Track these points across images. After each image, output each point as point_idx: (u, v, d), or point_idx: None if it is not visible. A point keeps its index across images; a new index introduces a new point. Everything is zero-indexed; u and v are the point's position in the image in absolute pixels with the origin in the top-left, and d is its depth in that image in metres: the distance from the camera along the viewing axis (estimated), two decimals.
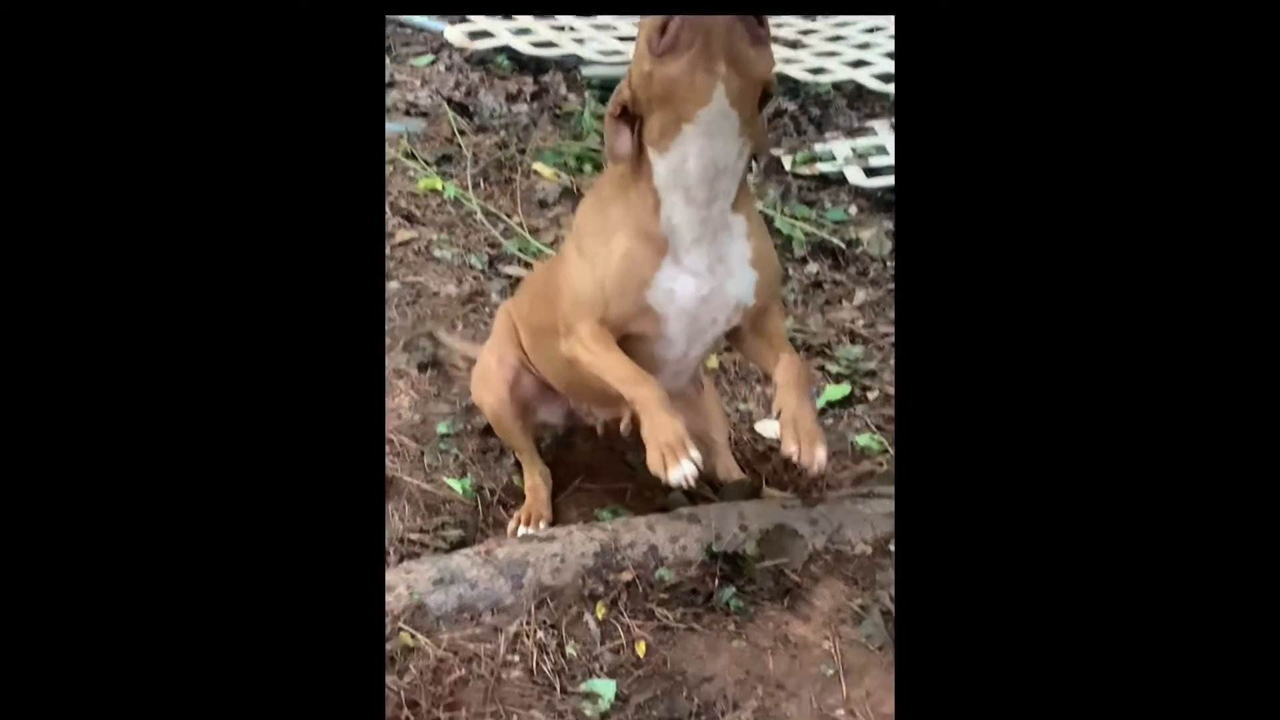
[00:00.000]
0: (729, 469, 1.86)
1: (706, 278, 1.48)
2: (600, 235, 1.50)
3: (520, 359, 1.78)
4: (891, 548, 1.68)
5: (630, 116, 1.43)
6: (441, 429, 1.96)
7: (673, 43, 1.33)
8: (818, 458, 1.45)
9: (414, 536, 1.73)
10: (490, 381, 1.80)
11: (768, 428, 2.00)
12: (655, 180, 1.44)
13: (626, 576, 1.58)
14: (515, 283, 2.35)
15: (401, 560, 1.64)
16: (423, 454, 1.90)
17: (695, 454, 1.43)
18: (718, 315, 1.52)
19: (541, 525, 1.76)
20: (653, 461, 1.44)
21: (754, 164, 1.50)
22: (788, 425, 1.47)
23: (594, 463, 1.92)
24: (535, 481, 1.82)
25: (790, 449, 1.46)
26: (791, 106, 3.04)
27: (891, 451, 1.98)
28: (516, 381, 1.78)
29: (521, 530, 1.75)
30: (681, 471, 1.42)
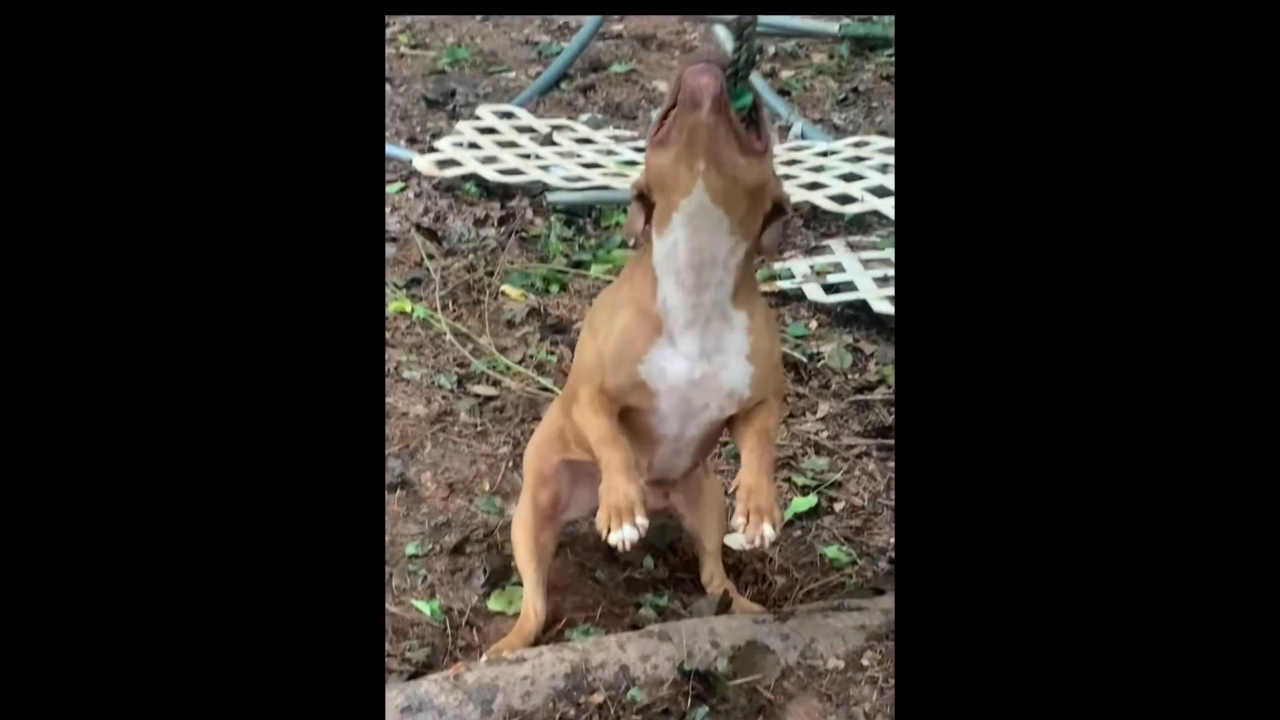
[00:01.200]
0: (713, 575, 1.85)
1: (699, 362, 1.53)
2: (608, 311, 1.59)
3: (563, 458, 1.76)
4: (864, 663, 1.64)
5: (647, 200, 1.50)
6: (410, 549, 1.92)
7: (664, 135, 1.41)
8: (764, 533, 1.47)
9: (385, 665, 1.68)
10: (519, 527, 1.80)
11: (735, 540, 1.98)
12: (655, 260, 1.51)
13: (598, 699, 1.54)
14: (484, 402, 2.34)
15: None
16: (391, 576, 1.85)
17: (641, 521, 1.48)
18: (710, 400, 1.56)
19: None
20: (599, 519, 1.49)
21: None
22: (742, 497, 1.50)
23: (563, 580, 1.88)
24: (528, 613, 1.76)
25: (738, 520, 1.49)
26: None
27: (860, 563, 1.96)
28: (545, 527, 1.77)
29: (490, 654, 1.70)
30: (622, 534, 1.47)
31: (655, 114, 1.48)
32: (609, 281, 2.75)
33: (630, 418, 1.60)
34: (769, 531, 1.48)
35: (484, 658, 1.66)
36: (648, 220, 1.51)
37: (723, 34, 4.17)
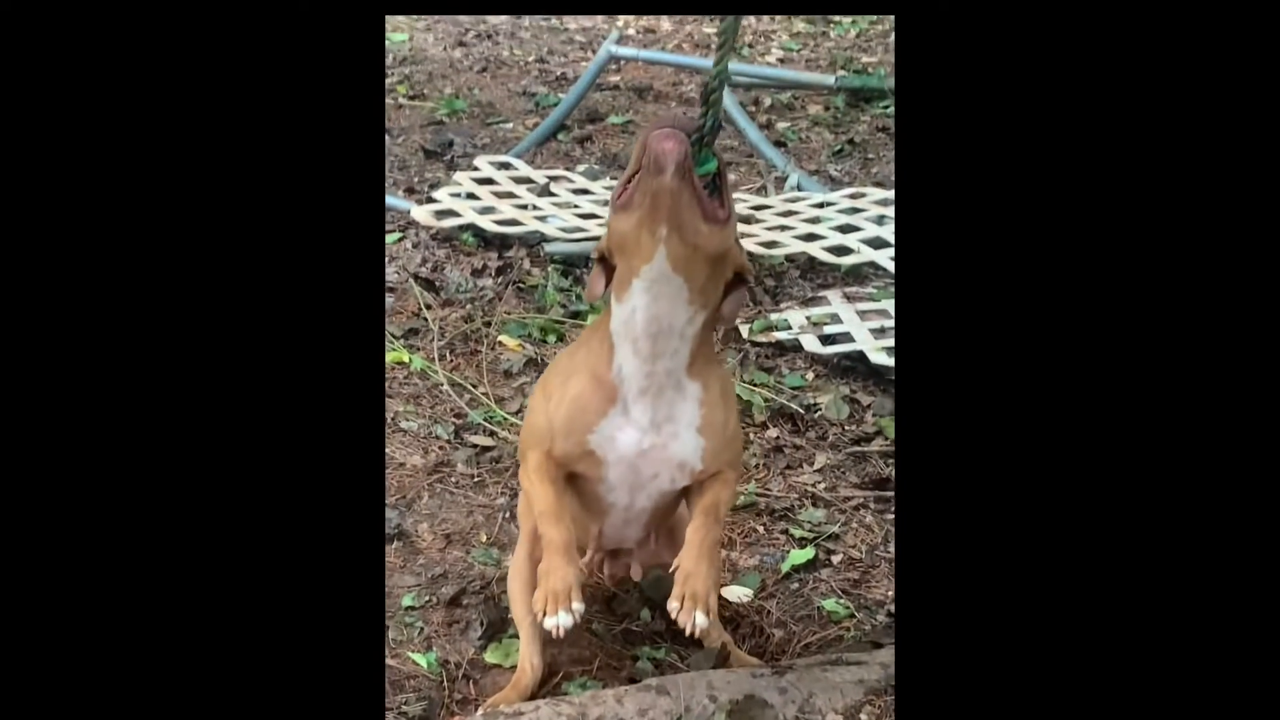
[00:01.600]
0: (707, 630, 1.83)
1: (650, 432, 1.51)
2: (562, 376, 1.57)
3: None
4: (863, 717, 1.64)
5: (608, 263, 1.49)
6: (406, 601, 1.91)
7: (628, 199, 1.40)
8: (696, 621, 1.47)
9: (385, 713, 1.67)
10: (513, 584, 1.78)
11: (733, 592, 1.98)
12: (612, 326, 1.49)
13: None
14: (481, 452, 2.35)
15: None
16: (387, 628, 1.85)
17: (578, 607, 1.47)
18: (660, 470, 1.55)
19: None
20: (536, 601, 1.49)
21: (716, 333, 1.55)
22: (678, 580, 1.49)
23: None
24: (525, 666, 1.74)
25: (672, 605, 1.48)
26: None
27: (858, 616, 1.96)
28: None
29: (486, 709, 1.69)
30: (556, 621, 1.46)
31: (621, 177, 1.47)
32: (596, 320, 2.77)
33: (579, 485, 1.59)
34: (701, 620, 1.46)
35: (480, 712, 1.65)
36: (608, 284, 1.50)
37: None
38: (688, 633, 1.48)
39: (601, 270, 1.50)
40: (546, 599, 1.47)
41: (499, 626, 1.87)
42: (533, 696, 1.71)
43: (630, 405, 1.50)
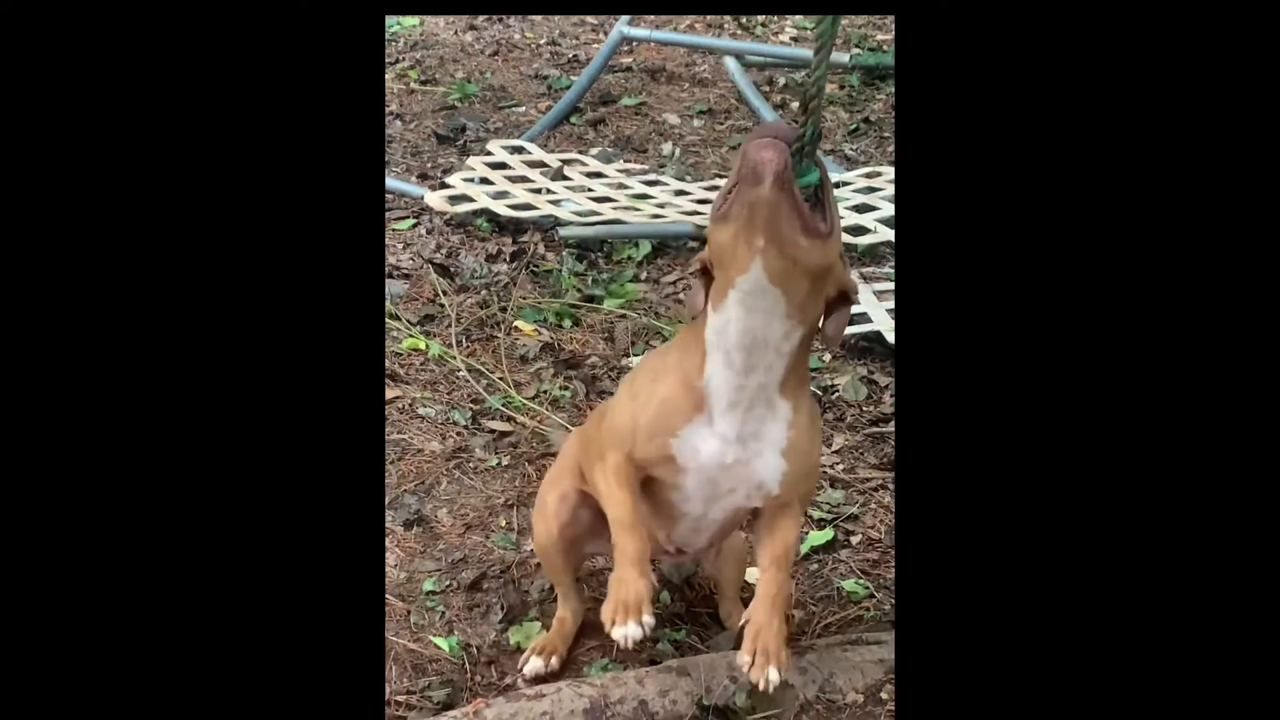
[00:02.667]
0: (730, 613, 1.87)
1: (734, 446, 1.49)
2: (651, 376, 1.56)
3: (578, 489, 1.75)
4: (883, 696, 1.66)
5: (708, 275, 1.47)
6: (427, 586, 1.94)
7: (726, 210, 1.37)
8: (770, 677, 1.47)
9: (400, 698, 1.70)
10: (544, 513, 1.78)
11: (753, 574, 2.00)
12: (707, 335, 1.47)
13: None
14: (499, 437, 2.37)
15: None
16: (409, 613, 1.88)
17: (648, 619, 1.47)
18: (738, 486, 1.53)
19: (554, 661, 1.78)
20: (606, 610, 1.49)
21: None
22: (750, 636, 1.50)
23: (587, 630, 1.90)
24: (564, 614, 1.83)
25: (744, 659, 1.49)
26: None
27: (878, 596, 1.98)
28: (572, 518, 1.75)
29: (533, 661, 1.77)
30: (625, 631, 1.46)
31: (721, 188, 1.43)
32: (622, 316, 2.79)
33: (654, 489, 1.58)
34: (774, 675, 1.47)
35: (524, 658, 1.77)
36: (707, 296, 1.47)
37: (733, 65, 4.23)
38: (760, 688, 1.48)
39: (702, 283, 1.48)
40: (616, 609, 1.47)
41: (520, 610, 1.90)
42: (576, 640, 1.80)
43: (717, 417, 1.48)
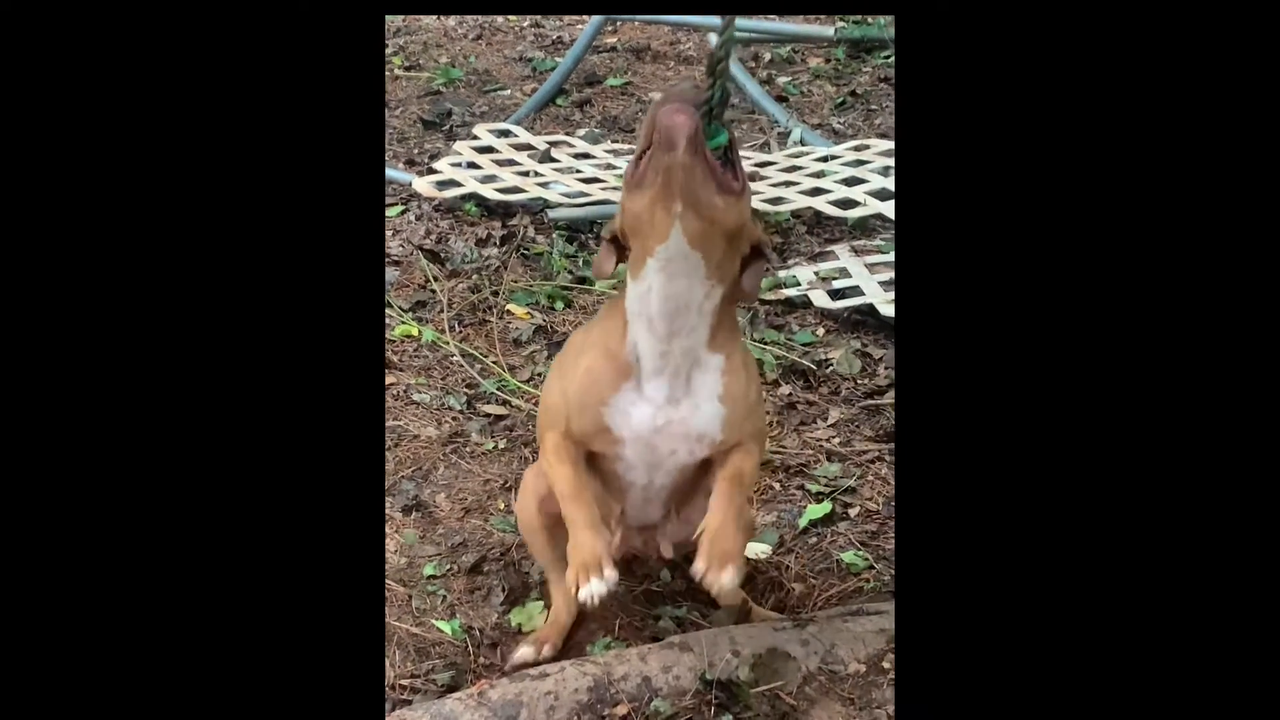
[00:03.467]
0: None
1: (664, 408, 1.52)
2: (576, 352, 1.59)
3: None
4: (885, 665, 1.68)
5: (619, 243, 1.49)
6: (428, 571, 1.96)
7: (640, 177, 1.39)
8: (723, 580, 1.46)
9: (405, 682, 1.72)
10: (524, 490, 1.80)
11: (751, 549, 2.01)
12: (628, 304, 1.50)
13: (621, 710, 1.57)
14: (494, 421, 2.38)
15: (394, 708, 1.62)
16: (410, 597, 1.89)
17: (610, 574, 1.49)
18: (677, 446, 1.55)
19: (546, 649, 1.77)
20: (568, 576, 1.51)
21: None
22: (704, 543, 1.49)
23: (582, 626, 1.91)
24: (558, 603, 1.81)
25: (699, 565, 1.48)
26: None
27: (877, 567, 1.99)
28: (549, 493, 1.73)
29: (522, 649, 1.76)
30: (590, 590, 1.48)
31: (632, 155, 1.46)
32: (613, 296, 2.80)
33: (599, 464, 1.61)
34: (728, 578, 1.46)
35: (519, 649, 1.75)
36: (619, 262, 1.49)
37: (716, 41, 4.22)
38: (714, 591, 1.49)
39: (611, 249, 1.50)
40: (578, 572, 1.49)
41: (520, 591, 1.92)
42: (571, 632, 1.79)
43: (644, 383, 1.51)
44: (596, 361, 1.54)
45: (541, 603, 1.88)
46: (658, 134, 1.34)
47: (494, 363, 2.56)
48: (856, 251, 3.02)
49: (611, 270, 1.50)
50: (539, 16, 4.90)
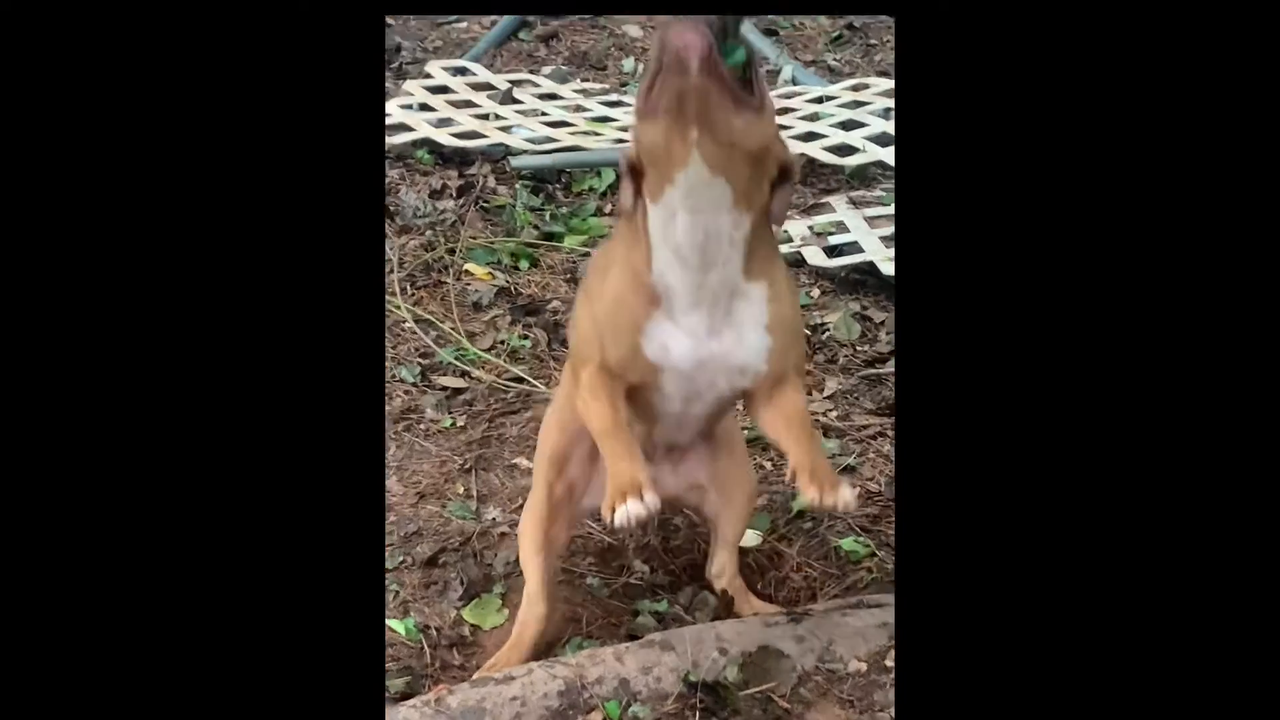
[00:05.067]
0: (724, 568, 1.87)
1: (705, 341, 1.55)
2: (600, 276, 1.61)
3: (577, 439, 1.77)
4: (888, 663, 1.67)
5: (638, 172, 1.50)
6: None
7: (652, 105, 1.40)
8: (842, 496, 1.48)
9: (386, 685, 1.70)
10: (534, 505, 1.80)
11: (752, 537, 2.01)
12: (650, 228, 1.51)
13: (596, 717, 1.57)
14: (452, 395, 2.36)
15: None
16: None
17: (650, 497, 1.48)
18: (717, 379, 1.59)
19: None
20: (605, 504, 1.51)
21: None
22: (804, 481, 1.50)
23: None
24: (526, 619, 1.77)
25: (812, 495, 1.49)
26: None
27: (880, 554, 1.99)
28: (565, 503, 1.78)
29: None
30: (626, 510, 1.47)
31: (642, 80, 1.46)
32: (585, 254, 2.77)
33: (632, 393, 1.63)
34: (847, 493, 1.49)
35: (474, 678, 1.68)
36: (638, 193, 1.50)
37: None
38: (840, 508, 1.50)
39: (630, 180, 1.51)
40: (615, 495, 1.49)
41: (481, 585, 1.90)
42: (537, 655, 1.72)
43: (679, 315, 1.54)
44: (624, 286, 1.56)
45: (500, 600, 1.86)
46: (668, 56, 1.35)
47: (451, 329, 2.53)
48: (855, 203, 3.00)
49: (633, 203, 1.51)
50: None
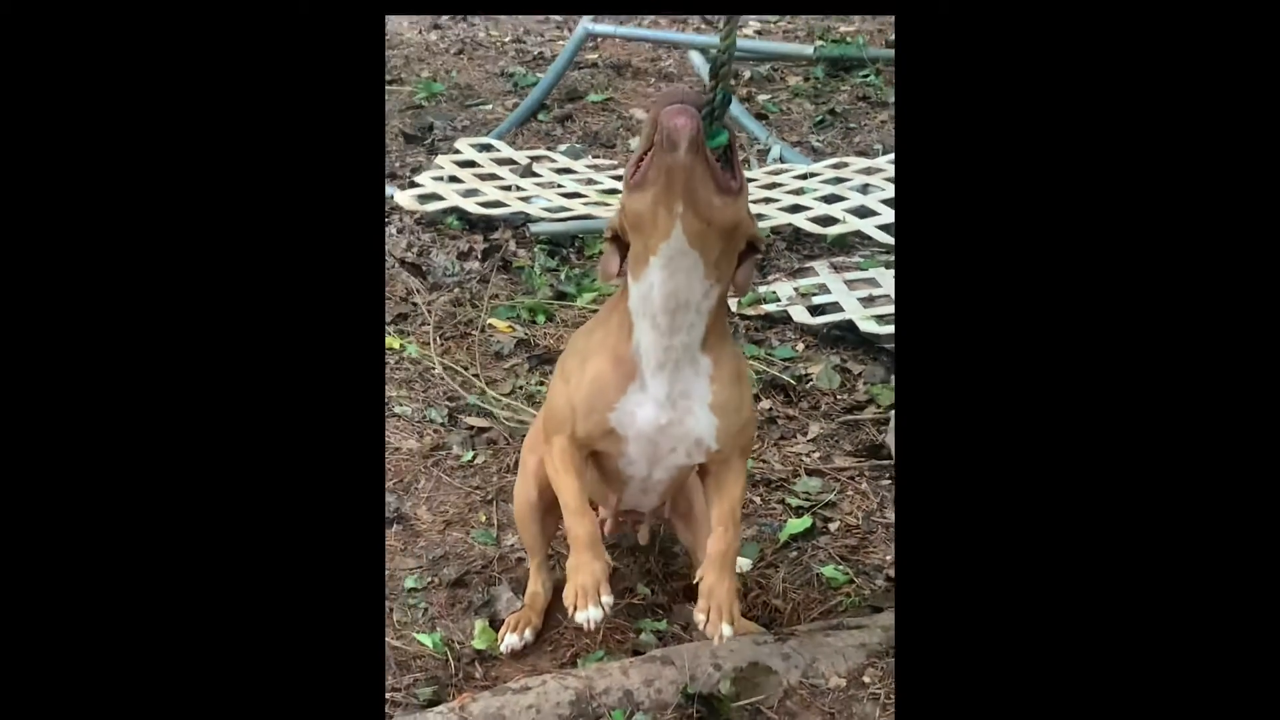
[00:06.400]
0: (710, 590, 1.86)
1: (667, 407, 1.54)
2: (580, 357, 1.60)
3: None
4: (866, 680, 1.68)
5: (621, 242, 1.50)
6: (409, 583, 1.94)
7: (641, 178, 1.41)
8: (723, 631, 1.53)
9: (386, 696, 1.70)
10: (524, 474, 1.83)
11: (740, 564, 2.01)
12: (630, 304, 1.51)
13: None
14: (476, 433, 2.37)
15: None
16: (392, 610, 1.88)
17: (607, 600, 1.53)
18: (678, 445, 1.58)
19: (528, 633, 1.80)
20: (567, 595, 1.54)
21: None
22: (703, 593, 1.55)
23: (562, 608, 1.90)
24: (536, 589, 1.86)
25: (699, 617, 1.55)
26: None
27: (857, 581, 1.99)
28: (549, 487, 1.76)
29: (509, 637, 1.78)
30: (587, 615, 1.52)
31: (632, 155, 1.47)
32: (594, 311, 2.79)
33: (599, 458, 1.64)
34: (727, 630, 1.52)
35: (503, 632, 1.79)
36: (623, 263, 1.51)
37: (698, 60, 4.24)
38: (716, 643, 1.54)
39: (615, 250, 1.51)
40: (576, 594, 1.52)
41: (489, 611, 1.90)
42: (548, 612, 1.85)
43: (648, 380, 1.53)
44: (603, 367, 1.55)
45: (484, 621, 1.86)
46: (660, 134, 1.36)
47: (475, 376, 2.55)
48: (835, 268, 3.03)
49: (616, 271, 1.51)
50: (521, 32, 4.90)
